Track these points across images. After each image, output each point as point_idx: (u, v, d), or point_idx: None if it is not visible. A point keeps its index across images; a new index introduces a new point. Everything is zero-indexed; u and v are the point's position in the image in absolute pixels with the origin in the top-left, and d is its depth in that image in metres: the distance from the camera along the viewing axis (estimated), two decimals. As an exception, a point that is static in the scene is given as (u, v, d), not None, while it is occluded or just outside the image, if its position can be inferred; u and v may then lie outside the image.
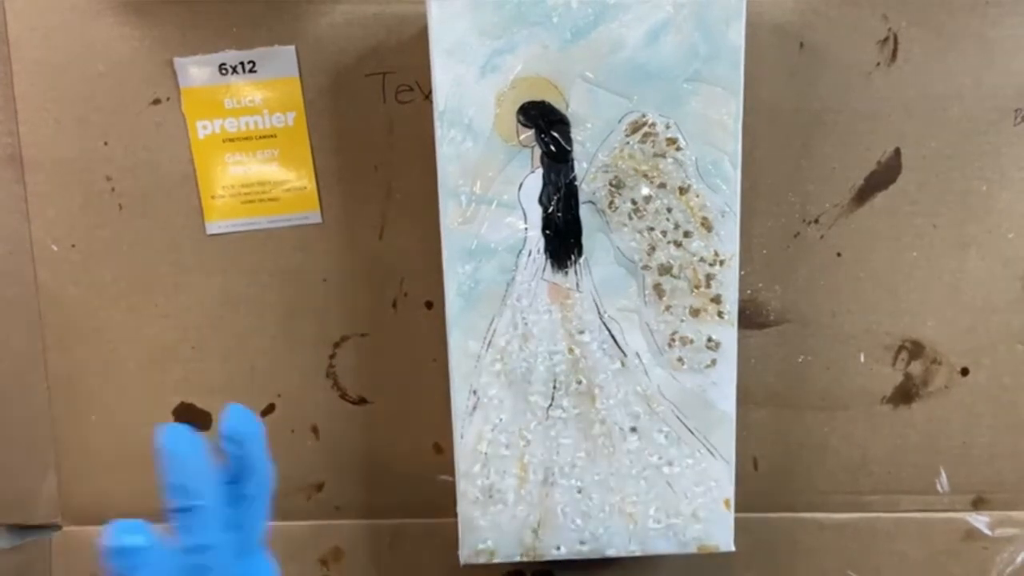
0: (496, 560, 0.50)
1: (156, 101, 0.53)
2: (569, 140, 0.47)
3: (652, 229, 0.48)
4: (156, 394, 0.56)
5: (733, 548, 0.51)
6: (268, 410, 0.57)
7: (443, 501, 0.55)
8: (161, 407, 0.56)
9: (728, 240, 0.48)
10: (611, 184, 0.47)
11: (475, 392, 0.49)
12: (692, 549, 0.51)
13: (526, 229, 0.47)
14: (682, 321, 0.49)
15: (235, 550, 0.36)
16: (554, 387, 0.49)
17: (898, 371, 0.56)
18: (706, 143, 0.47)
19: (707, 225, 0.48)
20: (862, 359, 0.56)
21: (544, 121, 0.46)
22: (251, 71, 0.52)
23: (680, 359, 0.49)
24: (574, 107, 0.46)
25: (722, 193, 0.48)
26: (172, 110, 0.53)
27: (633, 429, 0.50)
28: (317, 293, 0.55)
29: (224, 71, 0.52)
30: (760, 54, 0.51)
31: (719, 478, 0.50)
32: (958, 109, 0.52)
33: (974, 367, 0.56)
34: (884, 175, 0.54)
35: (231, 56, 0.52)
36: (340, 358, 0.56)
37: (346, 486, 0.58)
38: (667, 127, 0.47)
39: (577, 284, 0.48)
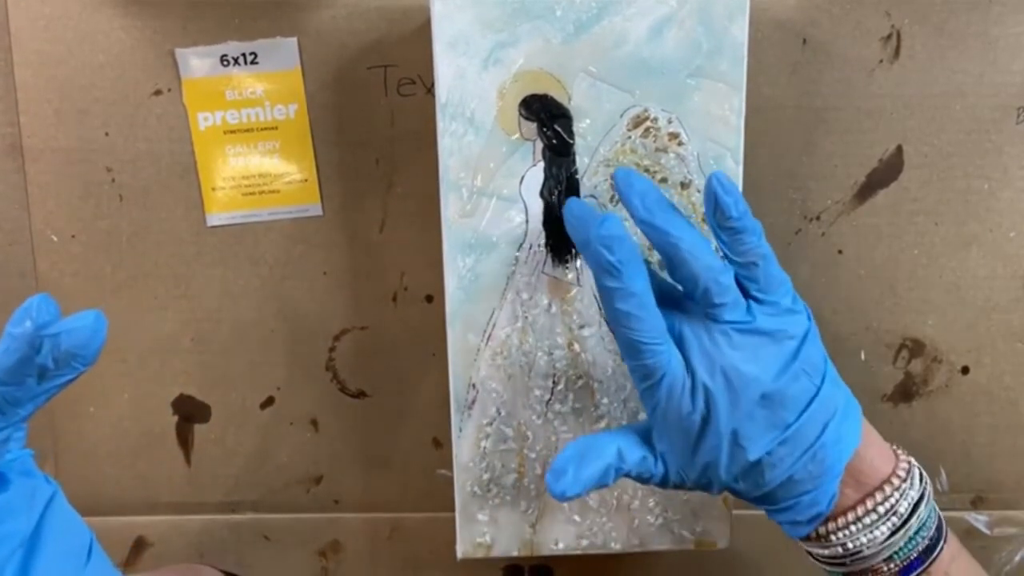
0: (494, 554, 0.50)
1: (157, 92, 0.53)
2: (571, 134, 0.46)
3: (653, 224, 0.48)
4: (155, 386, 0.56)
5: (729, 545, 0.51)
6: (267, 403, 0.57)
7: (442, 495, 0.55)
8: (160, 399, 0.56)
9: (729, 236, 0.48)
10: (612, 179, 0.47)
11: (474, 386, 0.49)
12: (690, 546, 0.51)
13: (527, 223, 0.47)
14: (683, 317, 0.49)
15: None
16: (554, 382, 0.49)
17: (899, 369, 0.56)
18: (708, 139, 0.47)
19: (708, 221, 0.48)
20: (862, 357, 0.56)
21: (546, 115, 0.46)
22: (253, 63, 0.52)
23: (680, 355, 0.49)
24: (576, 101, 0.46)
25: (724, 189, 0.47)
26: (173, 101, 0.53)
27: (632, 424, 0.49)
28: (317, 286, 0.55)
29: (225, 62, 0.52)
30: (763, 50, 0.51)
31: (718, 474, 0.50)
32: (961, 107, 0.52)
33: (975, 366, 0.55)
34: (886, 172, 0.53)
35: (232, 47, 0.52)
36: (340, 351, 0.56)
37: (345, 479, 0.57)
38: (669, 122, 0.47)
39: (578, 278, 0.48)
